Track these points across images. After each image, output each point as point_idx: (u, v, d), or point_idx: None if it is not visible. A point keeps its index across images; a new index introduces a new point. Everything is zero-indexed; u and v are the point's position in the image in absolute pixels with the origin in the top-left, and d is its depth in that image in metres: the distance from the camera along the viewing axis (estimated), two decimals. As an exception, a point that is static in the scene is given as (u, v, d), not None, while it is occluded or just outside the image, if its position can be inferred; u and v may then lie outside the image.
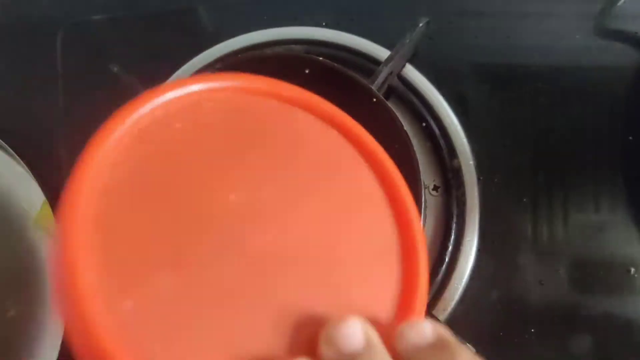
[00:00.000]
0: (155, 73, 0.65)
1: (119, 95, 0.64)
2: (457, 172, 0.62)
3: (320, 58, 0.56)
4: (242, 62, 0.56)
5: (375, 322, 0.32)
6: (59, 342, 0.64)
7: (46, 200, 0.69)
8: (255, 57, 0.57)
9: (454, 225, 0.61)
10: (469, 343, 0.54)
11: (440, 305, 0.60)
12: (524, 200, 0.63)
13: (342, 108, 0.60)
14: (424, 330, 0.30)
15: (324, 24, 0.69)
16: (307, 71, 0.55)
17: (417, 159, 0.53)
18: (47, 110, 0.72)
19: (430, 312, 0.55)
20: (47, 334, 0.68)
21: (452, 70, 0.66)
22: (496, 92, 0.65)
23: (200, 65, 0.56)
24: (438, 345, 0.29)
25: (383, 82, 0.59)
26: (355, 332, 0.29)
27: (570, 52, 0.66)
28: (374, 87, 0.55)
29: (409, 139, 0.54)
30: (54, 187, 0.69)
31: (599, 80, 0.65)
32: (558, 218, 0.62)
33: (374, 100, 0.55)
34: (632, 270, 0.60)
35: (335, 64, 0.56)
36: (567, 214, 0.62)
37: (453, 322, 0.59)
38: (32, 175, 0.69)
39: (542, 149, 0.64)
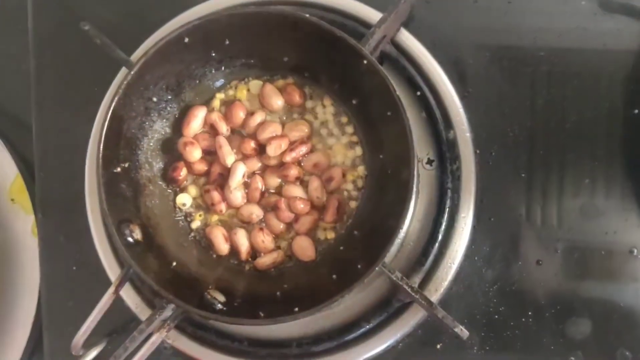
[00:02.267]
0: (132, 34, 0.61)
1: (93, 57, 0.62)
2: (453, 145, 0.59)
3: (307, 16, 0.52)
4: (227, 20, 0.52)
5: None
6: (31, 320, 0.62)
7: (19, 172, 0.66)
8: (242, 15, 0.53)
9: (448, 201, 0.58)
10: (462, 326, 0.51)
11: (432, 285, 0.57)
12: (522, 175, 0.59)
13: (331, 69, 0.58)
14: None
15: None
16: (296, 30, 0.51)
17: (409, 126, 0.49)
18: (20, 76, 0.67)
19: (421, 293, 0.51)
20: (19, 306, 0.65)
21: (450, 36, 0.62)
22: (496, 61, 0.61)
23: (182, 23, 0.52)
24: None
25: (376, 46, 0.55)
26: None
27: (574, 22, 0.62)
28: (365, 49, 0.51)
29: (401, 103, 0.50)
30: (27, 159, 0.67)
31: (602, 57, 0.61)
32: (557, 194, 0.59)
33: (365, 62, 0.51)
34: (635, 251, 0.58)
35: (324, 22, 0.52)
36: (565, 191, 0.59)
37: (446, 304, 0.56)
38: (5, 146, 0.66)
39: (541, 123, 0.60)
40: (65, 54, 0.64)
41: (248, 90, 0.62)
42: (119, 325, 0.59)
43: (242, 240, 0.58)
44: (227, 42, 0.56)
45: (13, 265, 0.67)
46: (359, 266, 0.51)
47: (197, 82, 0.60)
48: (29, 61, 0.65)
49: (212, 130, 0.60)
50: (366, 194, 0.59)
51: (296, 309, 0.49)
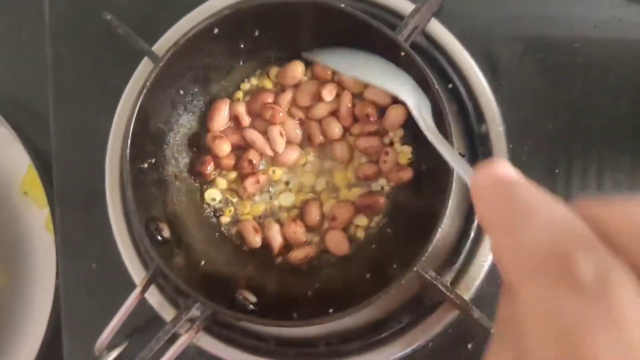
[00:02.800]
0: (154, 23, 0.59)
1: (112, 48, 0.61)
2: (485, 139, 0.57)
3: (342, 5, 0.50)
4: (257, 9, 0.50)
5: None
6: (48, 313, 0.61)
7: (32, 164, 0.64)
8: (273, 5, 0.51)
9: (480, 197, 0.56)
10: (494, 324, 0.49)
11: (464, 284, 0.56)
12: (556, 171, 0.58)
13: None
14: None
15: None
16: (329, 20, 0.50)
17: (449, 121, 0.47)
18: (34, 67, 0.66)
19: (456, 292, 0.50)
20: (33, 303, 0.64)
21: (482, 26, 0.60)
22: (530, 52, 0.59)
23: (206, 12, 0.50)
24: None
25: (407, 37, 0.54)
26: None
27: (610, 13, 0.60)
28: (402, 42, 0.49)
29: (441, 98, 0.48)
30: (40, 150, 0.65)
31: (638, 48, 0.60)
32: (592, 191, 0.58)
33: (402, 54, 0.49)
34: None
35: (359, 12, 0.50)
36: (602, 188, 0.58)
37: (478, 303, 0.54)
38: (18, 137, 0.64)
39: (577, 117, 0.59)
40: (83, 43, 0.62)
41: (268, 77, 0.60)
42: (140, 325, 0.57)
43: (274, 232, 0.56)
44: (257, 33, 0.54)
45: (26, 259, 0.65)
46: (395, 266, 0.50)
47: (225, 74, 0.58)
48: (41, 50, 0.63)
49: (236, 122, 0.58)
50: (400, 190, 0.58)
51: (330, 310, 0.48)
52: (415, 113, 0.45)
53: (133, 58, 0.59)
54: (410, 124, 0.56)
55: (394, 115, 0.56)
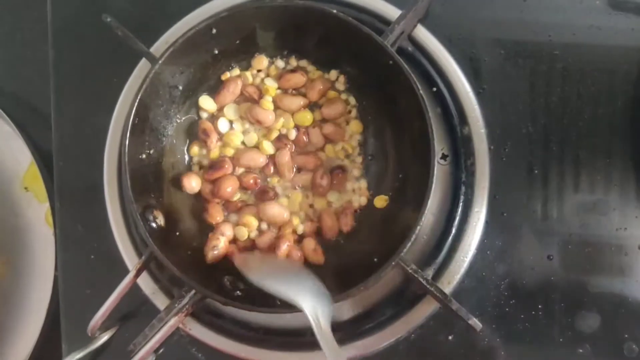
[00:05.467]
0: (152, 26, 0.62)
1: (112, 48, 0.62)
2: (468, 140, 0.60)
3: (335, 11, 0.53)
4: (253, 12, 0.53)
5: None
6: (47, 303, 0.63)
7: (34, 160, 0.66)
8: (266, 7, 0.54)
9: (461, 196, 0.59)
10: (475, 317, 0.52)
11: (445, 278, 0.58)
12: (535, 171, 0.60)
13: (355, 64, 0.59)
14: None
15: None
16: (319, 24, 0.52)
17: (432, 125, 0.50)
18: (36, 66, 0.68)
19: (436, 285, 0.52)
20: (33, 294, 0.66)
21: (466, 33, 0.62)
22: (511, 58, 0.62)
23: (202, 17, 0.52)
24: None
25: (394, 42, 0.56)
26: None
27: (589, 21, 0.62)
28: (390, 48, 0.52)
29: (425, 103, 0.51)
30: (41, 147, 0.67)
31: (615, 55, 0.62)
32: (570, 190, 0.60)
33: (390, 62, 0.52)
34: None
35: (351, 19, 0.52)
36: (578, 187, 0.60)
37: (458, 296, 0.57)
38: (20, 134, 0.66)
39: (556, 120, 0.61)
40: (84, 44, 0.65)
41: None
42: (132, 311, 0.59)
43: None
44: (253, 34, 0.57)
45: (26, 253, 0.68)
46: (375, 259, 0.52)
47: (223, 71, 0.61)
48: (44, 50, 0.65)
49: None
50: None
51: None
52: (310, 318, 0.49)
53: (132, 59, 0.61)
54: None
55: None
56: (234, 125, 0.61)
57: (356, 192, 0.60)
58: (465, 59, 0.61)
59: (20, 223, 0.69)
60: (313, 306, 0.49)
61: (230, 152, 0.60)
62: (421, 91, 0.52)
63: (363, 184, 0.60)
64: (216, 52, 0.58)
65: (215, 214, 0.58)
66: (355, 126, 0.61)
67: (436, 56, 0.61)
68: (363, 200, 0.60)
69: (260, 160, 0.59)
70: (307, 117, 0.60)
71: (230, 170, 0.59)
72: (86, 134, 0.63)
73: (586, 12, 0.63)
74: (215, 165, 0.59)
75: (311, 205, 0.60)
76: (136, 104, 0.52)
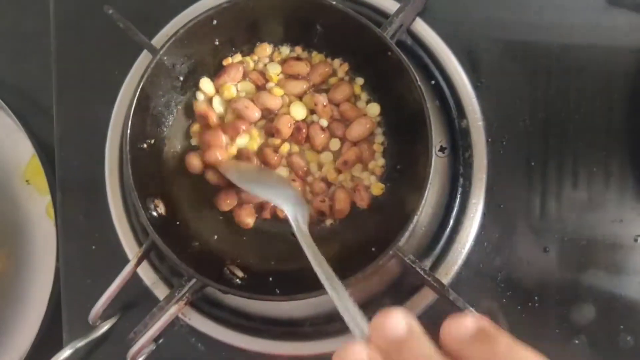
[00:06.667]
0: (153, 18, 0.62)
1: (114, 40, 0.63)
2: (465, 133, 0.60)
3: (334, 2, 0.53)
4: (251, 3, 0.54)
5: None
6: (48, 294, 0.63)
7: (35, 153, 0.66)
8: (265, 2, 0.54)
9: (459, 188, 0.59)
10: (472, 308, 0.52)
11: (443, 269, 0.58)
12: (532, 164, 0.61)
13: (353, 57, 0.59)
14: (466, 323, 0.31)
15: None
16: (318, 16, 0.53)
17: (430, 118, 0.50)
18: (38, 58, 0.69)
19: (434, 276, 0.53)
20: (34, 285, 0.67)
21: (465, 26, 0.63)
22: (509, 52, 0.62)
23: (203, 9, 0.53)
24: (480, 337, 0.31)
25: (393, 35, 0.57)
26: (399, 322, 0.32)
27: (586, 18, 0.63)
28: (389, 40, 0.53)
29: (424, 96, 0.51)
30: (43, 139, 0.67)
31: (612, 51, 0.62)
32: (567, 183, 0.60)
33: (389, 54, 0.52)
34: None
35: (350, 10, 0.53)
36: (577, 180, 0.60)
37: (455, 288, 0.56)
38: (22, 127, 0.66)
39: (554, 114, 0.61)
40: (86, 35, 0.65)
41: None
42: (133, 301, 0.60)
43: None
44: (254, 26, 0.58)
45: (27, 245, 0.68)
46: (373, 249, 0.53)
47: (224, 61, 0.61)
48: (45, 43, 0.66)
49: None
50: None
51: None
52: (291, 219, 0.53)
53: (133, 51, 0.62)
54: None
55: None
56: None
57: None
58: (463, 53, 0.62)
59: (21, 216, 0.69)
60: (294, 210, 0.53)
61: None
62: (419, 83, 0.53)
63: (380, 161, 0.61)
64: (217, 43, 0.59)
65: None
66: (373, 108, 0.61)
67: (435, 50, 0.61)
68: (373, 180, 0.60)
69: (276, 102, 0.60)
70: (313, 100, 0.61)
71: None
72: (88, 125, 0.63)
73: (583, 9, 0.63)
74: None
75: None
76: (137, 94, 0.52)
